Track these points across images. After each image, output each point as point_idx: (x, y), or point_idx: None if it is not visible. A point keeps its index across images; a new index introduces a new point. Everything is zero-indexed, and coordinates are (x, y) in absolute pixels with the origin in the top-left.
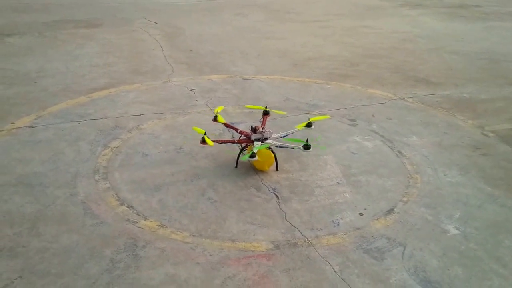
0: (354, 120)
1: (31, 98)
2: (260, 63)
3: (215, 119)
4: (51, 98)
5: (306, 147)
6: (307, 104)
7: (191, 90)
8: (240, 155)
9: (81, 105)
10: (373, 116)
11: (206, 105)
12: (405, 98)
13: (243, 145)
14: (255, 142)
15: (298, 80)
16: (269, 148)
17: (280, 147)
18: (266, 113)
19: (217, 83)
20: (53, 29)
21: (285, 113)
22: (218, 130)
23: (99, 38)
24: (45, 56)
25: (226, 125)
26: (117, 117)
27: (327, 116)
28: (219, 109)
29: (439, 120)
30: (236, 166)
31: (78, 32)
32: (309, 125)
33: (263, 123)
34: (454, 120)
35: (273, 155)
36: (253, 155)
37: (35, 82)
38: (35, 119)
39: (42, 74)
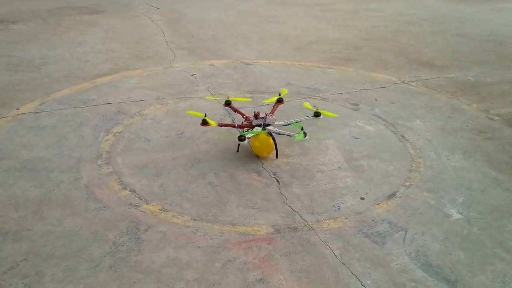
0: (357, 104)
1: (35, 84)
2: (261, 47)
3: (227, 103)
4: (55, 84)
5: (303, 134)
6: (309, 88)
7: (192, 76)
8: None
9: (84, 91)
10: (376, 100)
11: (207, 90)
12: (409, 82)
13: (244, 130)
14: (256, 128)
15: (300, 65)
16: (270, 135)
17: (279, 134)
18: (279, 101)
19: (219, 68)
20: (57, 16)
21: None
22: (219, 115)
23: (102, 24)
24: (49, 43)
25: (234, 109)
26: (119, 103)
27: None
28: (232, 99)
29: (443, 104)
30: (238, 151)
31: (81, 18)
32: (317, 115)
33: (273, 109)
34: (459, 103)
35: (272, 142)
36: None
37: (39, 69)
38: (39, 105)
39: (46, 60)
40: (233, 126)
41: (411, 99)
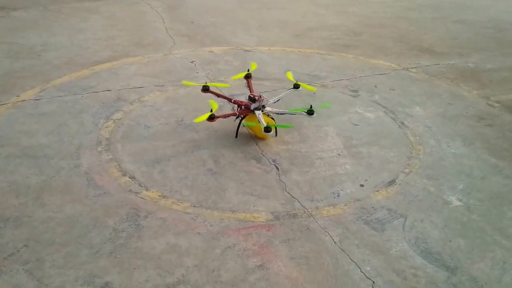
0: (356, 91)
1: (35, 71)
2: (261, 34)
3: (205, 89)
4: (55, 71)
5: (310, 112)
6: (309, 75)
7: (192, 62)
8: (240, 125)
9: (84, 78)
10: (375, 86)
11: (207, 77)
12: (409, 68)
13: (243, 115)
14: (256, 112)
15: (299, 51)
16: (269, 115)
17: (282, 114)
18: (248, 76)
19: (218, 55)
20: (57, 2)
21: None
22: (219, 103)
23: (102, 11)
24: (49, 30)
25: (218, 95)
26: (119, 90)
27: (315, 89)
28: (211, 84)
29: (443, 91)
30: (236, 136)
31: (81, 5)
32: (296, 86)
33: (250, 87)
34: (459, 90)
35: (273, 122)
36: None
37: (40, 56)
38: (39, 92)
39: (46, 47)
40: (234, 115)
41: (411, 86)
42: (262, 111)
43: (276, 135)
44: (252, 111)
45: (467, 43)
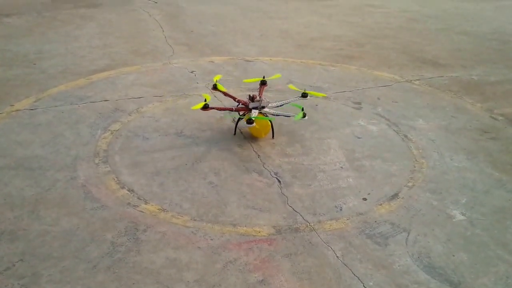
0: (359, 103)
1: (30, 80)
2: (262, 44)
3: (214, 87)
4: (50, 80)
5: (303, 115)
6: (311, 86)
7: (191, 72)
8: (238, 122)
9: (81, 87)
10: (378, 99)
11: (207, 87)
12: (412, 80)
13: (241, 113)
14: (253, 110)
15: (301, 62)
16: (266, 116)
17: (276, 115)
18: (263, 83)
19: (219, 65)
20: (52, 9)
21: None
22: (220, 102)
23: (99, 18)
24: (44, 37)
25: (225, 94)
26: (117, 100)
27: (324, 95)
28: (217, 77)
29: (447, 103)
30: (235, 134)
31: (77, 12)
32: (304, 95)
33: (260, 92)
34: (462, 103)
35: (269, 123)
36: (250, 121)
37: (34, 64)
38: (35, 101)
39: (41, 55)
40: (231, 110)
41: (414, 98)
42: (260, 111)
43: (273, 137)
44: (250, 110)
45: (471, 55)
